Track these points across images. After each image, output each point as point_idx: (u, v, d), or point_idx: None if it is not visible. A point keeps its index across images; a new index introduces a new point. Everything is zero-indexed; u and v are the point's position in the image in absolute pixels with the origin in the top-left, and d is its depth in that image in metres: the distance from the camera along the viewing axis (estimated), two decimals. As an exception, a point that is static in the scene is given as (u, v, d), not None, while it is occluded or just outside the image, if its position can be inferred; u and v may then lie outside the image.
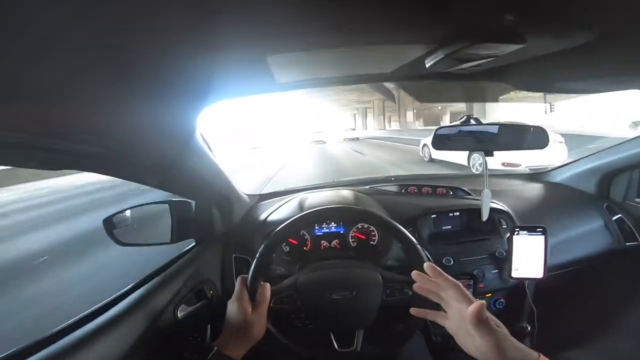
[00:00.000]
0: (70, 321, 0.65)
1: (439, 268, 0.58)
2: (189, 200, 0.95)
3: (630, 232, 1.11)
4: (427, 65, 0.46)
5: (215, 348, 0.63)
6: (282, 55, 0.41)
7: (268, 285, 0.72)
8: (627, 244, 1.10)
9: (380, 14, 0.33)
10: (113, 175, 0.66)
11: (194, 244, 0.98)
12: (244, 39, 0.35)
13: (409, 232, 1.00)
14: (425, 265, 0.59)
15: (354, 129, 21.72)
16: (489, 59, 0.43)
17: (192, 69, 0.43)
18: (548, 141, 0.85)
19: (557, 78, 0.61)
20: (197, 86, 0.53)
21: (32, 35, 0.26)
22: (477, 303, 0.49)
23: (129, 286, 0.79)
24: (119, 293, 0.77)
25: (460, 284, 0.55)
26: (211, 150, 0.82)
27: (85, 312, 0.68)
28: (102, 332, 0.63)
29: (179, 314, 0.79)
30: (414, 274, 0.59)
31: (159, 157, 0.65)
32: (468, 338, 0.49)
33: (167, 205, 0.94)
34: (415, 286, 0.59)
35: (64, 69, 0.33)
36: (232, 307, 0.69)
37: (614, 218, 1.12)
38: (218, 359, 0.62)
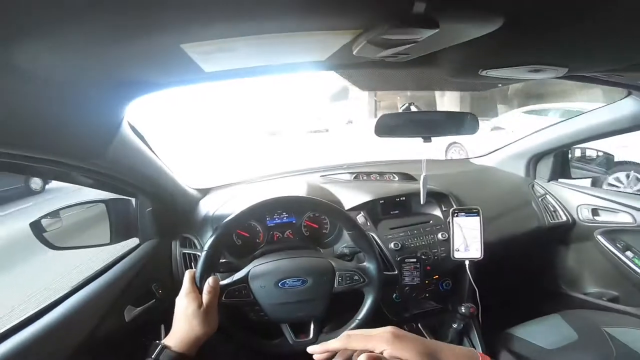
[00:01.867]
0: (7, 326, 0.61)
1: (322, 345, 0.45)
2: (129, 198, 0.90)
3: (553, 211, 1.24)
4: (354, 52, 0.47)
5: (160, 345, 0.61)
6: (197, 44, 0.39)
7: (217, 278, 0.71)
8: (552, 221, 1.23)
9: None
10: (39, 177, 0.63)
11: (137, 242, 0.93)
12: (155, 27, 0.33)
13: (358, 217, 1.04)
14: (309, 349, 0.47)
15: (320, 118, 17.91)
16: (410, 45, 0.45)
17: (111, 56, 0.41)
18: (478, 127, 0.93)
19: (480, 65, 0.66)
20: (119, 76, 0.50)
21: None
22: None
23: (67, 290, 0.75)
24: (56, 297, 0.72)
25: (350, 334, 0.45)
26: (147, 144, 0.79)
27: (20, 319, 0.64)
28: (41, 338, 0.60)
29: (126, 316, 0.76)
30: (310, 349, 0.46)
31: (84, 154, 0.61)
32: None
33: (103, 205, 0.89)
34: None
35: None
36: (180, 302, 0.67)
37: (540, 198, 1.25)
38: (166, 358, 0.60)
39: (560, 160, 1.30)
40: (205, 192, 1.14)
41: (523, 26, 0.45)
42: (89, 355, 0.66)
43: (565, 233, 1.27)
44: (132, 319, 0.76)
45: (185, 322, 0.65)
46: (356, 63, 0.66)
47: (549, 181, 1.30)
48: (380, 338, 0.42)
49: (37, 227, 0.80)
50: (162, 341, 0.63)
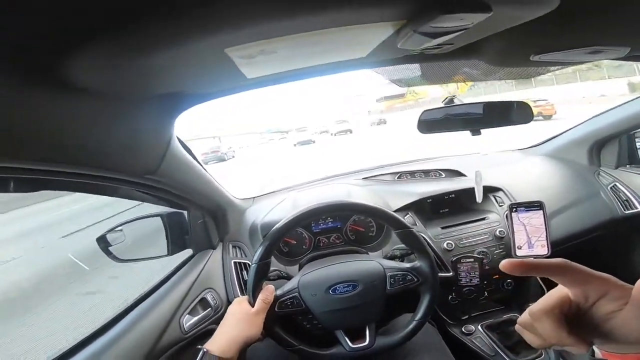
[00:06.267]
0: (74, 343, 0.64)
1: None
2: (181, 211, 0.94)
3: (626, 200, 1.11)
4: (399, 45, 0.45)
5: (202, 350, 0.62)
6: (241, 47, 0.39)
7: (271, 287, 0.71)
8: (626, 212, 1.09)
9: None
10: (96, 194, 0.66)
11: (191, 253, 0.97)
12: (198, 31, 0.34)
13: (406, 217, 1.00)
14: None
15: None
16: (459, 33, 0.42)
17: (157, 67, 0.42)
18: (532, 116, 0.86)
19: (531, 50, 0.61)
20: (166, 88, 0.52)
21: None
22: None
23: (130, 302, 0.78)
24: (122, 309, 0.75)
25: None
26: (194, 158, 0.82)
27: (88, 334, 0.67)
28: (108, 351, 0.62)
29: (185, 325, 0.77)
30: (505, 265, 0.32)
31: (139, 170, 0.64)
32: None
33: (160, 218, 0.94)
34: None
35: (27, 87, 0.33)
36: (231, 308, 0.70)
37: (608, 186, 1.12)
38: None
39: (627, 145, 1.17)
40: (250, 201, 1.17)
41: (579, 6, 0.41)
42: None
43: None
44: (189, 329, 0.78)
45: (230, 325, 0.67)
46: (396, 58, 0.65)
47: (616, 168, 1.17)
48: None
49: (103, 242, 0.86)
50: (205, 346, 0.64)
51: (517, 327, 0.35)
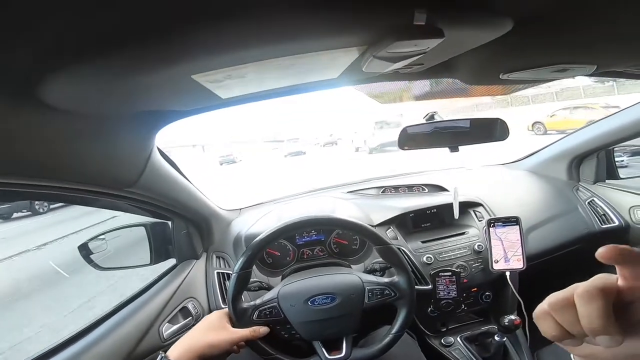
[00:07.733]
0: (51, 346, 0.65)
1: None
2: (165, 221, 0.95)
3: (604, 215, 1.14)
4: (363, 69, 0.45)
5: (160, 355, 0.61)
6: (207, 74, 0.40)
7: (266, 329, 0.73)
8: (603, 226, 1.13)
9: (301, 21, 0.33)
10: (81, 204, 0.67)
11: (174, 262, 0.97)
12: (165, 60, 0.35)
13: (388, 232, 1.02)
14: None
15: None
16: (419, 56, 0.43)
17: (131, 88, 0.42)
18: (508, 133, 0.88)
19: (500, 69, 0.62)
20: (143, 107, 0.53)
21: None
22: None
23: (110, 308, 0.79)
24: (100, 315, 0.76)
25: None
26: (178, 170, 0.83)
27: (66, 337, 0.68)
28: (83, 355, 0.62)
29: (164, 333, 0.78)
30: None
31: (118, 183, 0.65)
32: None
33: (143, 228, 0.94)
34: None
35: (8, 106, 0.34)
36: (210, 316, 0.70)
37: (586, 201, 1.15)
38: None
39: (606, 160, 1.20)
40: (237, 212, 1.18)
41: (537, 27, 0.42)
42: None
43: (619, 237, 1.16)
44: (168, 337, 0.79)
45: (197, 330, 0.67)
46: (370, 77, 0.66)
47: (594, 183, 1.20)
48: None
49: (85, 250, 0.86)
50: (166, 352, 0.62)
51: (537, 313, 0.29)
